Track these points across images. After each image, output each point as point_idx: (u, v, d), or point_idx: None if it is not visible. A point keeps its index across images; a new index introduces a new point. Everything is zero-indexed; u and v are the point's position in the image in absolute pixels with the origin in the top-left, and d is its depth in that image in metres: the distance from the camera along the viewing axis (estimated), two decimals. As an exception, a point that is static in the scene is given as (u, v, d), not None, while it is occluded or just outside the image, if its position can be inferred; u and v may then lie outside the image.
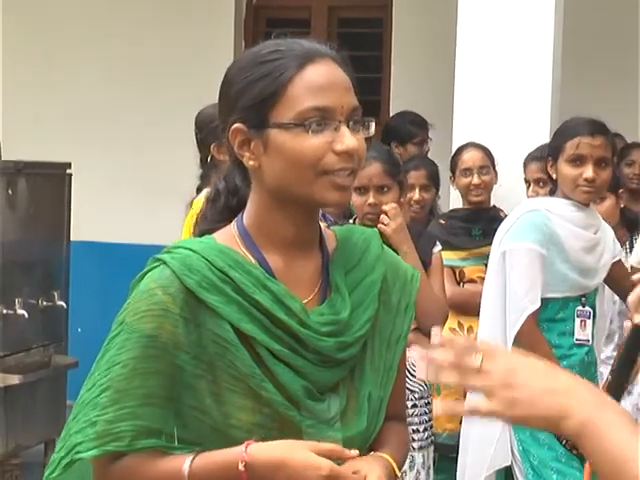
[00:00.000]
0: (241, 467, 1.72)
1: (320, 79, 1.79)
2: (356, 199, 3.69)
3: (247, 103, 1.81)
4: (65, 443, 1.80)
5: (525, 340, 3.52)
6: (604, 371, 4.48)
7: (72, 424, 1.80)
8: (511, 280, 3.58)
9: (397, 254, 2.10)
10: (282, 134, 1.78)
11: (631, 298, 1.53)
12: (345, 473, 1.73)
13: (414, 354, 3.98)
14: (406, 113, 5.90)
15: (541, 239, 3.57)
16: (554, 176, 3.67)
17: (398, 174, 3.83)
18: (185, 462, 1.75)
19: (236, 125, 1.82)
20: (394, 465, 1.85)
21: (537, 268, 3.55)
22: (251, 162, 1.83)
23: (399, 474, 1.87)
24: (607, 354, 4.73)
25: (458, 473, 3.87)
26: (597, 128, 3.64)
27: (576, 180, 3.59)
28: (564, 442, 3.54)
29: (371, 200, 3.71)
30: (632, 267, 4.14)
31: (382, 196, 3.77)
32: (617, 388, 1.52)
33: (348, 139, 1.78)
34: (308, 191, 1.79)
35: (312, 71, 1.80)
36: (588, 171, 3.56)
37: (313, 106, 1.77)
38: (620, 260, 3.93)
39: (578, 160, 3.58)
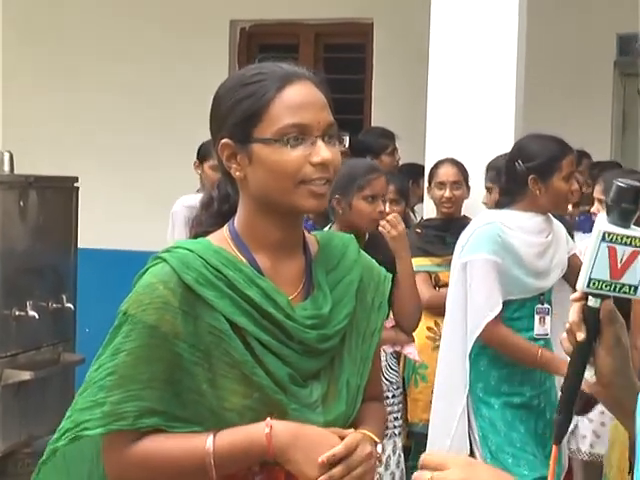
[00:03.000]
0: (267, 430, 1.76)
1: (298, 99, 1.83)
2: (366, 207, 3.72)
3: (233, 120, 1.84)
4: (72, 416, 1.83)
5: (495, 340, 3.56)
6: None
7: (79, 399, 1.83)
8: (472, 289, 3.60)
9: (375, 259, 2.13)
10: (264, 148, 1.81)
11: (572, 317, 1.48)
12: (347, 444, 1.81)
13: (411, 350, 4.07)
14: (374, 128, 5.98)
15: (496, 249, 3.56)
16: (538, 192, 3.59)
17: None
18: (207, 440, 1.78)
19: (224, 140, 1.86)
20: (373, 437, 1.89)
21: (493, 276, 3.55)
22: (237, 173, 1.86)
23: (378, 441, 1.91)
24: None
25: None
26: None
27: (567, 194, 3.62)
28: None
29: (383, 208, 3.77)
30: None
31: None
32: (568, 405, 1.47)
33: (324, 152, 1.81)
34: (288, 199, 1.82)
35: (291, 91, 1.83)
36: (574, 185, 3.61)
37: (291, 123, 1.80)
38: (575, 254, 3.91)
39: (570, 176, 3.60)
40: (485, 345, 3.60)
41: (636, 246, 1.41)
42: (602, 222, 1.43)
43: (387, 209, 3.93)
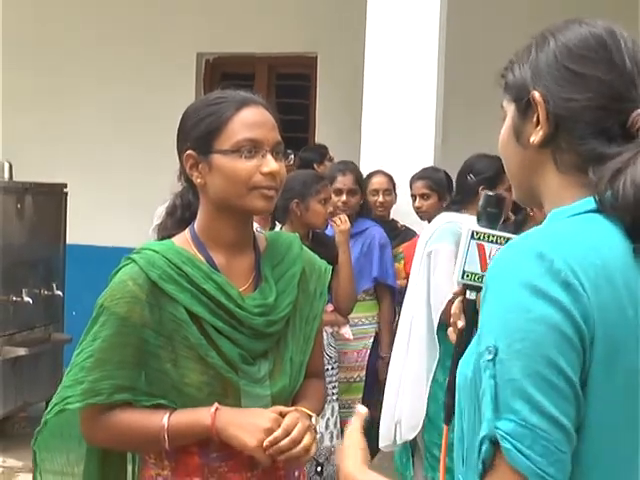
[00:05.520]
0: (212, 410, 1.76)
1: (252, 118, 1.82)
2: (320, 208, 3.83)
3: (197, 134, 1.83)
4: (59, 393, 1.83)
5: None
6: None
7: (65, 378, 1.84)
8: (436, 274, 3.56)
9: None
10: (222, 158, 1.80)
11: (453, 309, 1.45)
12: (283, 416, 1.79)
13: (345, 330, 4.09)
14: (311, 146, 6.12)
15: (456, 240, 3.48)
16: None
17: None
18: (164, 418, 1.78)
19: (188, 152, 1.84)
20: (308, 412, 1.88)
21: (454, 263, 3.53)
22: (199, 180, 1.84)
23: (314, 416, 1.89)
24: None
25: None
26: None
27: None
28: None
29: (332, 209, 4.00)
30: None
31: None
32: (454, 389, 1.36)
33: (272, 164, 1.80)
34: (242, 201, 1.81)
35: (247, 112, 1.82)
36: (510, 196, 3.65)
37: (246, 137, 1.80)
38: None
39: (509, 189, 3.62)
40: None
41: (501, 244, 1.41)
42: (472, 223, 1.43)
43: (345, 199, 4.34)
